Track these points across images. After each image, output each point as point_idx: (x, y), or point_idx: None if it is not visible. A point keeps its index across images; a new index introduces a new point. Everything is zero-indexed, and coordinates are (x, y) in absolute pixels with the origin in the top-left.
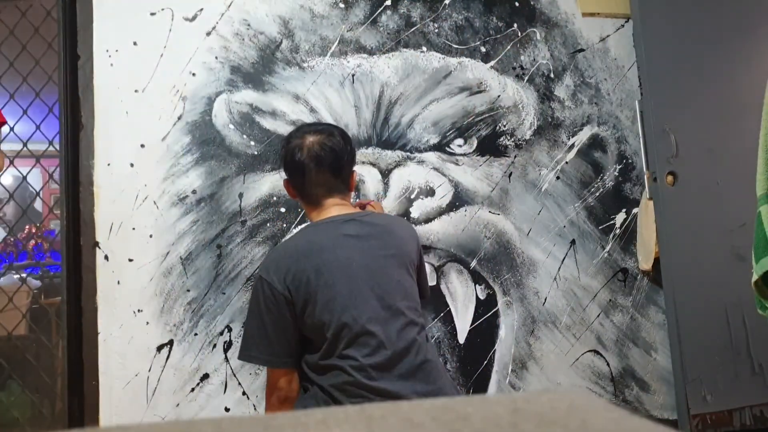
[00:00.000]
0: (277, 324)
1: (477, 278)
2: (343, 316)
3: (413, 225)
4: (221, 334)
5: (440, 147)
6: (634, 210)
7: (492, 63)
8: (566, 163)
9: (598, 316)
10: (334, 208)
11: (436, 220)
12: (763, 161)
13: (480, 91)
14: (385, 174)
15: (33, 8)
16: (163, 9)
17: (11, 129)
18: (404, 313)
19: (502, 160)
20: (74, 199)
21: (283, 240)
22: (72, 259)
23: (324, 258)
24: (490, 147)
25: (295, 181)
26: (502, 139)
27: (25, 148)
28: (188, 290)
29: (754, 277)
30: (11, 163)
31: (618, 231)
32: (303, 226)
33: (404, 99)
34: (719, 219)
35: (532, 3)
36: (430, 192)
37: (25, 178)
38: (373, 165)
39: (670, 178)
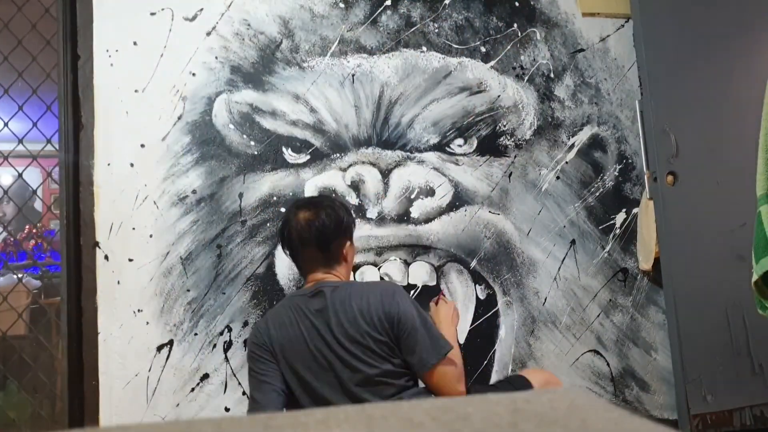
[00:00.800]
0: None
1: (477, 278)
2: (304, 401)
3: (418, 224)
4: (221, 334)
5: (440, 147)
6: (634, 210)
7: (492, 63)
8: (566, 163)
9: (598, 316)
10: (315, 280)
11: (436, 220)
12: (763, 161)
13: (480, 91)
14: (385, 174)
15: (30, 4)
16: (163, 9)
17: (5, 124)
18: (359, 396)
19: (502, 160)
20: (74, 198)
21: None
22: (72, 259)
23: (286, 336)
24: (490, 147)
25: (290, 255)
26: (502, 139)
27: (22, 147)
28: (188, 290)
29: (754, 277)
30: (5, 159)
31: (618, 231)
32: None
33: (404, 99)
34: (719, 219)
35: (532, 3)
36: (430, 192)
37: (20, 175)
38: (373, 165)
39: (670, 178)
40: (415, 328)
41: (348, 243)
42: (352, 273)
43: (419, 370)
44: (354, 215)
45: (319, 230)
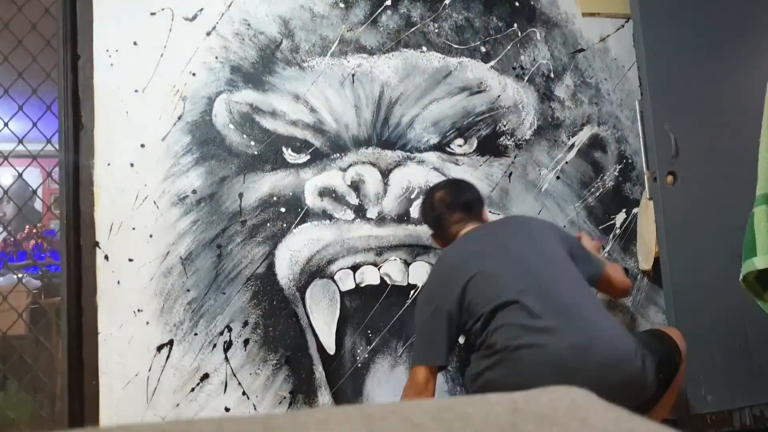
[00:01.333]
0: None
1: None
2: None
3: (418, 224)
4: (221, 334)
5: (440, 147)
6: (634, 210)
7: (492, 63)
8: (566, 163)
9: None
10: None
11: None
12: (765, 161)
13: (480, 91)
14: (385, 174)
15: (30, 4)
16: (163, 9)
17: (5, 124)
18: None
19: (502, 160)
20: (74, 198)
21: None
22: (72, 259)
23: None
24: (490, 147)
25: (437, 230)
26: (502, 139)
27: (22, 147)
28: (188, 290)
29: (740, 276)
30: (5, 159)
31: (618, 231)
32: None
33: (404, 99)
34: (719, 219)
35: (532, 3)
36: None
37: (20, 175)
38: (374, 165)
39: (670, 178)
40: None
41: (486, 209)
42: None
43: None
44: (355, 215)
45: (457, 196)
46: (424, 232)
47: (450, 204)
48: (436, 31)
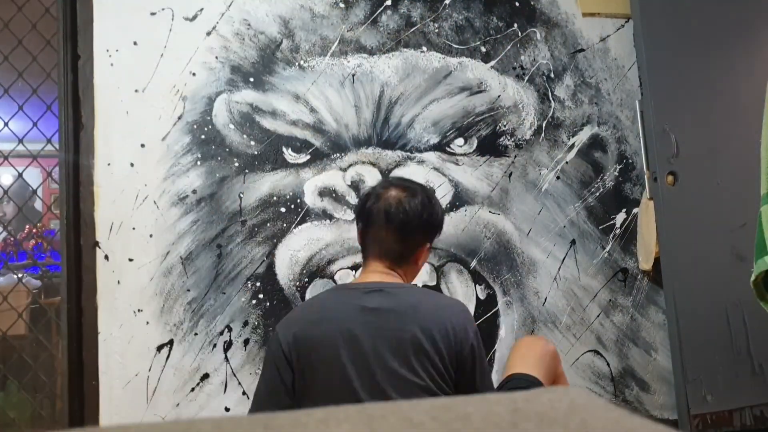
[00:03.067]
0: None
1: (477, 278)
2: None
3: None
4: (221, 333)
5: (440, 147)
6: (635, 210)
7: (492, 63)
8: (566, 163)
9: (598, 316)
10: (375, 274)
11: None
12: (766, 161)
13: (480, 91)
14: (386, 174)
15: (30, 4)
16: (163, 9)
17: (5, 124)
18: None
19: (502, 160)
20: (74, 198)
21: (307, 299)
22: (72, 259)
23: (328, 330)
24: (490, 147)
25: (361, 228)
26: (502, 139)
27: (22, 147)
28: (188, 290)
29: (752, 276)
30: (5, 159)
31: (618, 231)
32: (330, 288)
33: (404, 99)
34: (719, 219)
35: (532, 3)
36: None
37: (20, 175)
38: (374, 165)
39: (670, 178)
40: (476, 366)
41: (427, 245)
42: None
43: None
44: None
45: (407, 213)
46: None
47: (390, 214)
48: (436, 31)
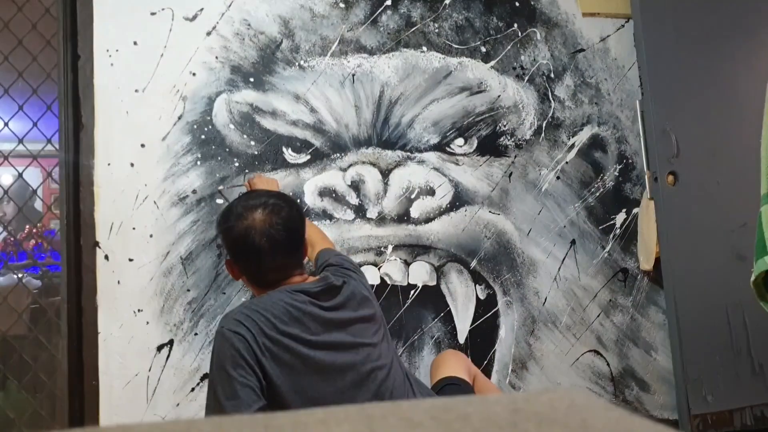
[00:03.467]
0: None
1: (477, 278)
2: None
3: (418, 224)
4: None
5: (440, 147)
6: (635, 210)
7: (492, 63)
8: (566, 163)
9: (598, 316)
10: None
11: (436, 220)
12: (766, 161)
13: (480, 91)
14: (386, 174)
15: (30, 4)
16: (163, 9)
17: (6, 124)
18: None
19: (502, 160)
20: (74, 198)
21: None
22: (72, 259)
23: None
24: (490, 147)
25: (247, 265)
26: (502, 139)
27: (22, 146)
28: (188, 290)
29: (752, 277)
30: (5, 159)
31: (618, 231)
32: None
33: (404, 99)
34: (720, 219)
35: (532, 3)
36: (431, 192)
37: (20, 175)
38: (374, 165)
39: (670, 178)
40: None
41: (306, 237)
42: None
43: None
44: (355, 215)
45: (288, 228)
46: (424, 232)
47: (274, 238)
48: (437, 31)
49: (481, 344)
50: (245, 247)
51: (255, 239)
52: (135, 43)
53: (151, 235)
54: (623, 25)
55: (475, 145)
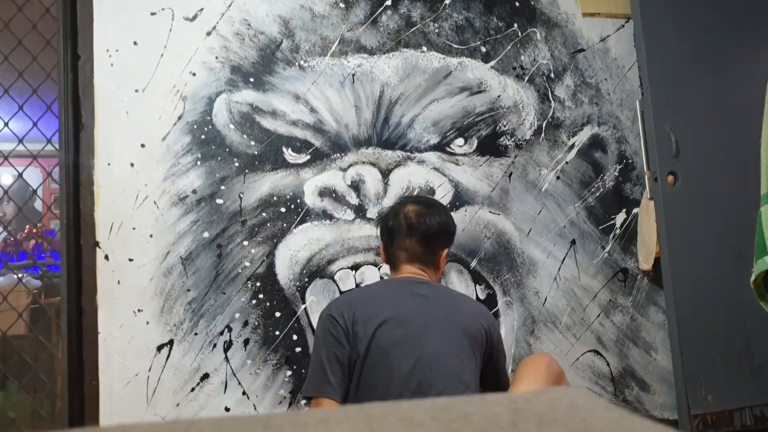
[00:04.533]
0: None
1: (477, 278)
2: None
3: None
4: (221, 333)
5: (440, 147)
6: (635, 210)
7: (492, 63)
8: (566, 163)
9: (598, 316)
10: (411, 275)
11: None
12: (765, 161)
13: (480, 91)
14: (386, 174)
15: (30, 4)
16: (163, 9)
17: (6, 124)
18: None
19: (502, 160)
20: (74, 198)
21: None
22: (72, 259)
23: (388, 308)
24: (490, 147)
25: (385, 245)
26: (502, 139)
27: (22, 146)
28: (188, 290)
29: (752, 277)
30: (5, 159)
31: (618, 231)
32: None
33: (404, 99)
34: (719, 219)
35: (532, 3)
36: (430, 192)
37: (20, 175)
38: (374, 165)
39: (670, 178)
40: (500, 357)
41: (446, 251)
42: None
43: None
44: (355, 215)
45: (427, 225)
46: None
47: (412, 225)
48: (437, 31)
49: None
50: (386, 225)
51: (398, 219)
52: (135, 43)
53: (151, 235)
54: (623, 25)
55: (475, 145)
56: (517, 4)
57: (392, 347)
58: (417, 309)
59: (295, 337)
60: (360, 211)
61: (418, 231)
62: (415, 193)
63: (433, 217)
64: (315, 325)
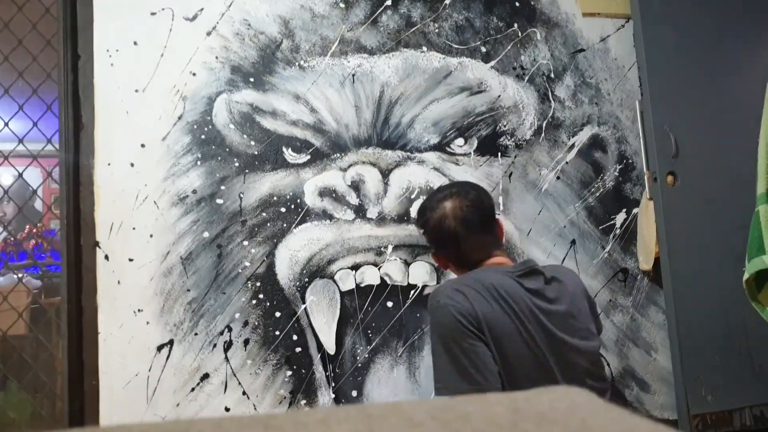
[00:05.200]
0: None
1: None
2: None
3: (412, 225)
4: (221, 333)
5: (440, 147)
6: (635, 210)
7: (492, 63)
8: (566, 163)
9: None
10: (501, 264)
11: None
12: (763, 161)
13: (480, 91)
14: (386, 174)
15: (30, 4)
16: (163, 9)
17: (6, 124)
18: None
19: (502, 160)
20: (74, 198)
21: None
22: (72, 259)
23: (492, 314)
24: (490, 147)
25: (448, 251)
26: (502, 139)
27: (22, 146)
28: (188, 290)
29: (745, 276)
30: (5, 159)
31: (618, 231)
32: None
33: (404, 99)
34: (719, 219)
35: (532, 3)
36: (431, 192)
37: (20, 175)
38: (374, 165)
39: (670, 178)
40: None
41: (498, 219)
42: None
43: None
44: (355, 215)
45: (479, 212)
46: None
47: (466, 220)
48: (437, 31)
49: None
50: (442, 234)
51: (450, 225)
52: (135, 43)
53: (151, 235)
54: (623, 25)
55: (475, 145)
56: (517, 4)
57: (526, 346)
58: (533, 306)
59: (295, 337)
60: (360, 211)
61: (475, 226)
62: (416, 193)
63: (474, 201)
64: (315, 325)
